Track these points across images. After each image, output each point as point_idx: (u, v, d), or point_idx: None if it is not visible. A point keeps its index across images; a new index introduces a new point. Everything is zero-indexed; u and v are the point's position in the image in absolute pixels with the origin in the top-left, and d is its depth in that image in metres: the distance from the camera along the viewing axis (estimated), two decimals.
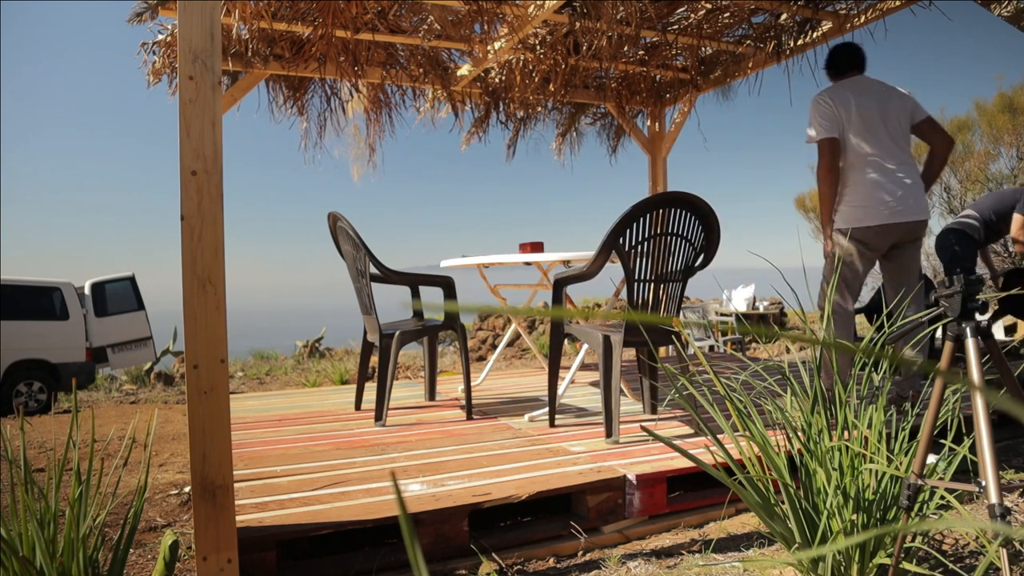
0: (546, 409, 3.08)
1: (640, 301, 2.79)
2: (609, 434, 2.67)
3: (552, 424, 2.99)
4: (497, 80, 4.91)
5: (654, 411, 3.19)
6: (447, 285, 3.46)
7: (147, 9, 3.42)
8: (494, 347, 10.61)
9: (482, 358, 11.34)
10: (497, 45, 4.03)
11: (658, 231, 2.74)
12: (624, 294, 3.47)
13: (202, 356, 1.57)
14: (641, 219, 2.71)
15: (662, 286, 2.82)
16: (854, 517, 1.55)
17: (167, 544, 1.61)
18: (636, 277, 2.75)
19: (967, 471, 1.92)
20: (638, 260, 2.74)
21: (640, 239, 2.73)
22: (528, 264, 3.56)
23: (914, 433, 2.07)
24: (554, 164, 6.05)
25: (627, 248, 2.71)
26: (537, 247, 3.61)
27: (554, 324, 2.99)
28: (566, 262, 3.48)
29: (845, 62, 3.21)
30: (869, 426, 1.65)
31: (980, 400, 1.30)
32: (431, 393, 3.76)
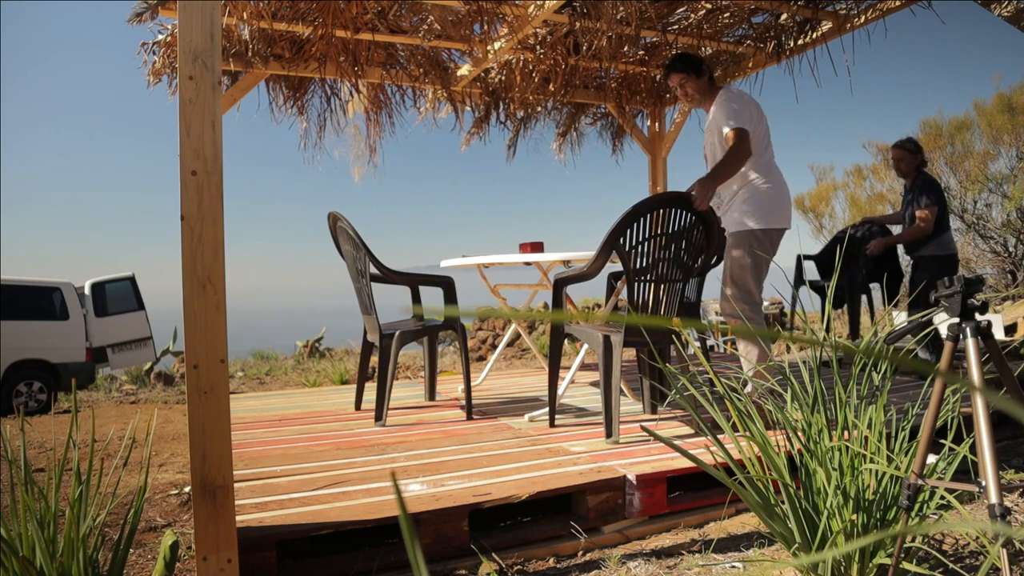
0: (546, 409, 3.07)
1: (640, 301, 2.79)
2: (609, 434, 2.67)
3: (552, 424, 2.99)
4: (497, 80, 4.91)
5: (654, 411, 3.19)
6: (447, 285, 3.46)
7: (147, 9, 3.42)
8: (494, 347, 10.62)
9: (482, 358, 11.33)
10: (497, 45, 4.03)
11: (659, 231, 2.74)
12: (624, 294, 3.46)
13: (202, 356, 1.57)
14: (642, 219, 2.71)
15: (663, 286, 2.82)
16: (854, 517, 1.55)
17: (167, 544, 1.61)
18: (636, 277, 2.75)
19: (967, 471, 1.92)
20: (638, 260, 2.74)
21: (641, 239, 2.73)
22: (528, 264, 3.55)
23: (914, 433, 2.07)
24: (554, 164, 6.05)
25: (627, 248, 2.71)
26: (537, 247, 3.60)
27: (554, 325, 3.00)
28: (566, 262, 3.48)
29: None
30: (869, 426, 1.65)
31: (980, 400, 1.30)
32: (431, 393, 3.76)
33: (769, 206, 2.99)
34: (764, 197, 2.99)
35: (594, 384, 4.19)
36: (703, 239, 2.86)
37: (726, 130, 3.03)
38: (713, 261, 2.91)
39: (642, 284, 2.78)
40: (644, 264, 2.76)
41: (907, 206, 4.45)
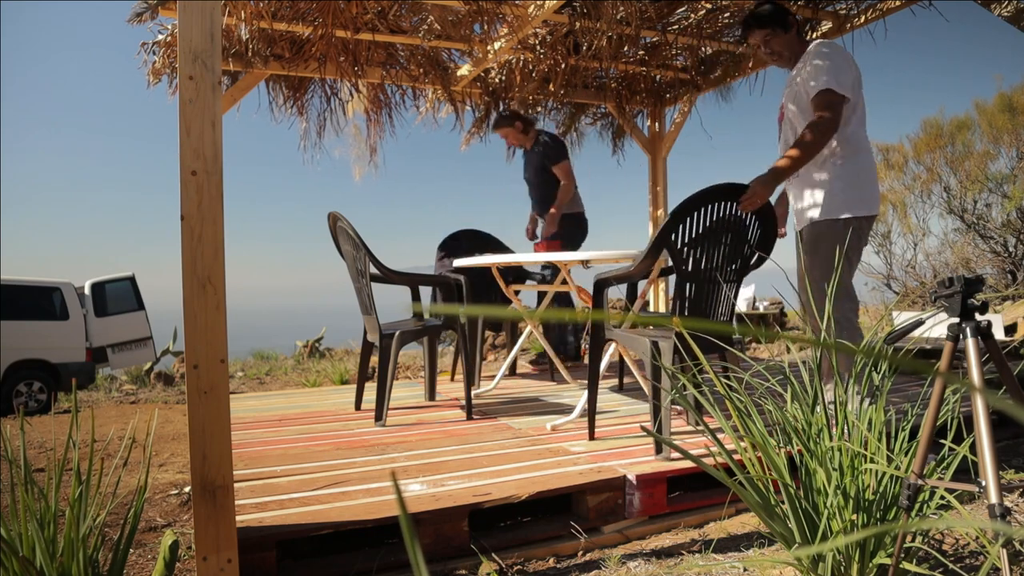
0: (568, 418, 2.96)
1: (693, 303, 2.55)
2: (659, 450, 2.42)
3: (592, 437, 2.72)
4: (497, 80, 4.91)
5: (698, 421, 2.99)
6: (447, 285, 3.45)
7: (147, 9, 3.43)
8: (494, 347, 10.60)
9: (483, 358, 11.29)
10: (497, 45, 4.03)
11: (713, 227, 2.50)
12: (644, 293, 3.39)
13: (202, 356, 1.57)
14: (695, 214, 2.46)
15: (717, 288, 2.59)
16: (854, 517, 1.55)
17: (167, 544, 1.61)
18: (689, 277, 2.53)
19: (967, 471, 1.93)
20: (691, 259, 2.51)
21: (694, 235, 2.48)
22: (548, 264, 3.41)
23: (914, 433, 2.07)
24: None
25: (679, 246, 2.47)
26: (553, 246, 3.54)
27: (594, 330, 2.77)
28: (585, 262, 3.37)
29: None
30: (869, 426, 1.65)
31: (980, 400, 1.30)
32: (431, 393, 3.75)
33: (865, 186, 2.60)
34: (858, 176, 2.59)
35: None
36: (759, 236, 2.61)
37: (812, 88, 2.55)
38: (754, 261, 2.66)
39: (693, 286, 2.53)
40: (696, 264, 2.52)
41: (532, 168, 4.54)
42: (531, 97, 5.10)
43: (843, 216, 2.61)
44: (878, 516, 1.59)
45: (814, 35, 4.11)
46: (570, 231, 4.51)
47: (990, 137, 8.54)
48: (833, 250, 2.52)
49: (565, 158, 4.46)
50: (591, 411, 2.75)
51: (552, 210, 4.41)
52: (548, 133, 4.56)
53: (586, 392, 2.77)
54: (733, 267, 2.60)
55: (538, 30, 4.25)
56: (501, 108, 5.06)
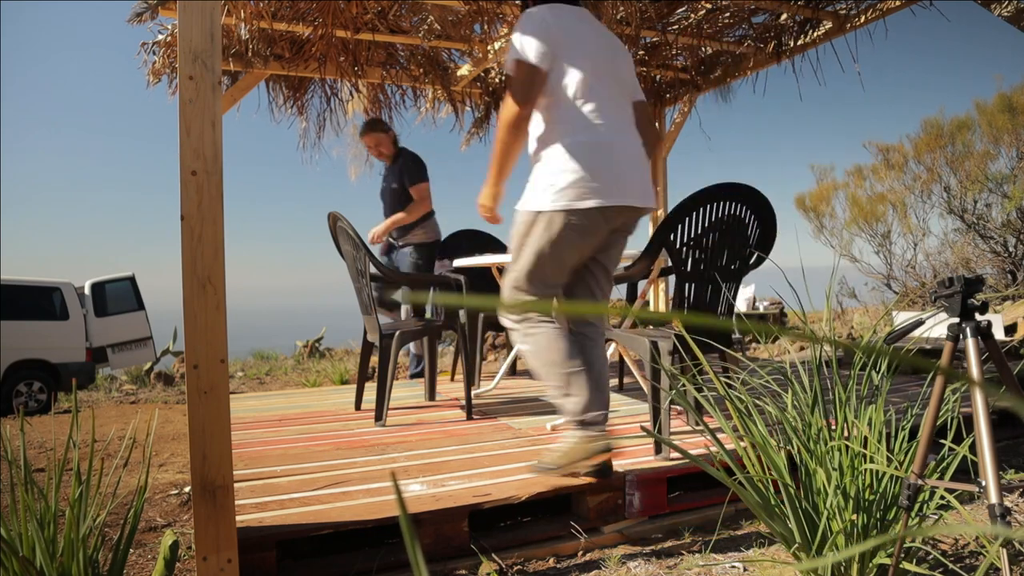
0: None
1: (692, 302, 2.54)
2: (659, 450, 2.42)
3: None
4: (497, 80, 4.91)
5: (698, 421, 2.96)
6: (446, 285, 3.45)
7: (147, 9, 3.42)
8: (494, 347, 10.60)
9: (483, 358, 11.26)
10: (497, 45, 4.03)
11: (712, 226, 2.49)
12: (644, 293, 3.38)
13: (202, 356, 1.57)
14: (693, 214, 2.46)
15: (716, 286, 2.57)
16: (854, 517, 1.55)
17: (167, 544, 1.61)
18: (688, 277, 2.52)
19: (967, 471, 1.93)
20: (690, 259, 2.49)
21: (693, 235, 2.47)
22: None
23: (914, 433, 2.07)
24: None
25: (678, 245, 2.46)
26: None
27: None
28: None
29: None
30: (869, 426, 1.65)
31: (980, 399, 1.30)
32: (431, 393, 3.76)
33: (560, 175, 2.07)
34: (554, 163, 2.09)
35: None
36: (758, 234, 2.60)
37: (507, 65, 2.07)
38: (753, 261, 2.56)
39: (692, 286, 2.52)
40: (696, 264, 2.50)
41: (390, 185, 4.38)
42: None
43: (536, 209, 2.12)
44: (878, 516, 1.59)
45: (814, 35, 4.11)
46: (428, 259, 4.43)
47: (990, 137, 8.53)
48: (523, 239, 2.16)
49: (425, 180, 4.37)
50: None
51: (398, 216, 4.28)
52: (412, 153, 4.44)
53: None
54: (733, 267, 2.61)
55: None
56: (370, 116, 4.83)
